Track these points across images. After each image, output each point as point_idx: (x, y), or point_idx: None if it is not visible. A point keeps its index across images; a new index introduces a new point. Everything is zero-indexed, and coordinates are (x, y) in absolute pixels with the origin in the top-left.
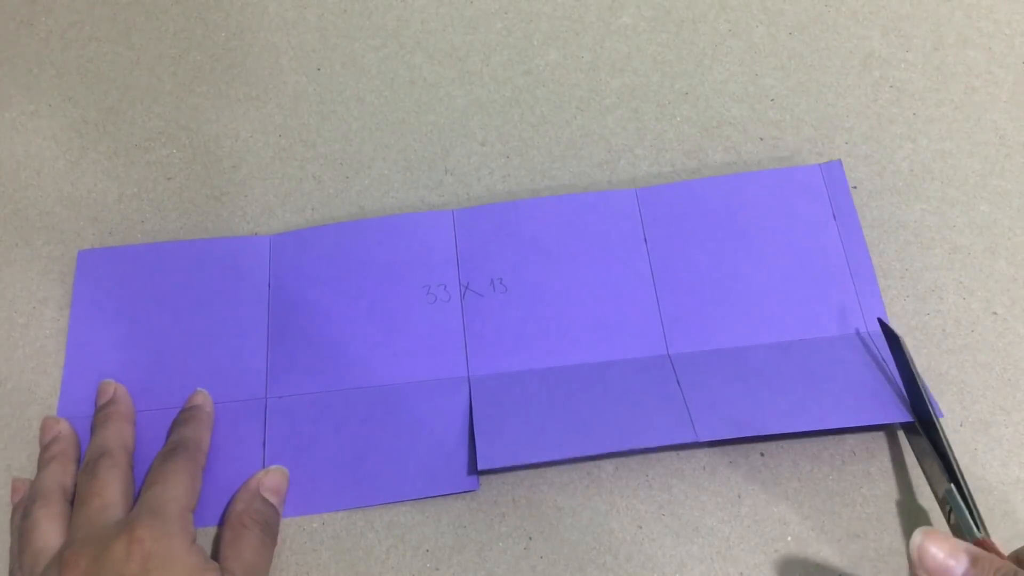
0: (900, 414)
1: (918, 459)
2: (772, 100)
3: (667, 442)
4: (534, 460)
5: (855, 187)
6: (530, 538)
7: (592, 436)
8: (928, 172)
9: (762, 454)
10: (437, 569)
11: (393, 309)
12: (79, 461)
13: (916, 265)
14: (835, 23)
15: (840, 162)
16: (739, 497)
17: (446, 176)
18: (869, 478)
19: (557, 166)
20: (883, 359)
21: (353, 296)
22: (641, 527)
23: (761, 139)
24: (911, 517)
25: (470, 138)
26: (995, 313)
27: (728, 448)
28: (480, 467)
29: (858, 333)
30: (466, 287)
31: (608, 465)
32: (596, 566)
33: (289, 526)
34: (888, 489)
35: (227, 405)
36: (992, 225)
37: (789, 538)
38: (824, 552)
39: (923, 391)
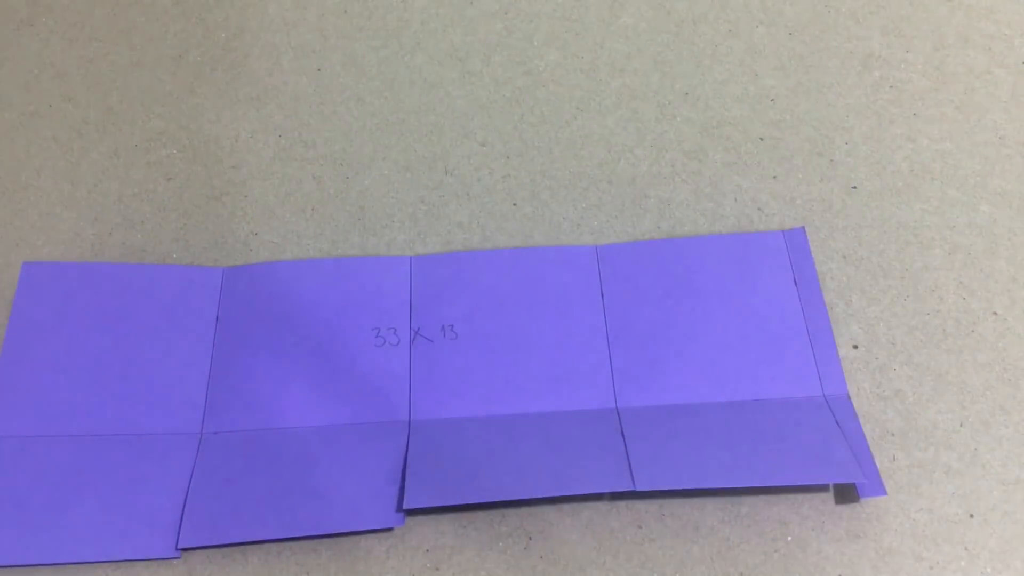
0: (850, 474)
1: None
2: (772, 100)
3: (602, 489)
4: (461, 501)
5: (855, 187)
6: (530, 538)
7: (525, 481)
8: (928, 172)
9: None
10: (437, 569)
11: (339, 351)
12: None
13: (916, 265)
14: (835, 23)
15: (803, 229)
16: (739, 497)
17: (446, 176)
18: None
19: (557, 166)
20: (839, 421)
21: (301, 335)
22: (641, 527)
23: (761, 139)
24: (910, 517)
25: (470, 138)
26: (995, 313)
27: None
28: (406, 506)
29: (815, 397)
30: (416, 332)
31: None
32: (596, 566)
33: None
34: (887, 489)
35: (158, 437)
36: (992, 225)
37: (789, 538)
38: (824, 552)
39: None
